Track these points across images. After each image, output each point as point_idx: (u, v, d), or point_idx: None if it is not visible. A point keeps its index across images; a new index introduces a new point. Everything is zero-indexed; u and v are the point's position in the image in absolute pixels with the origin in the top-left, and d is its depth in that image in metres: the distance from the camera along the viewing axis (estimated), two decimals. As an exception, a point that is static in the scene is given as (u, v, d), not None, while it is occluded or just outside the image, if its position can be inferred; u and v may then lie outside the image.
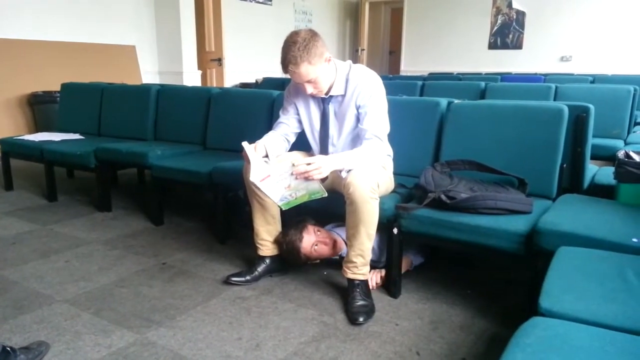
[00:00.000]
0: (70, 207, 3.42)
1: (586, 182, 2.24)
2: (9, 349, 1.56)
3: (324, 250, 2.19)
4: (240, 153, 2.03)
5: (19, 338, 1.74)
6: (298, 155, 2.19)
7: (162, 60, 6.83)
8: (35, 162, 3.57)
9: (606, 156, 3.12)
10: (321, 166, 1.89)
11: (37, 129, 5.13)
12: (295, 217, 2.20)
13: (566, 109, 2.13)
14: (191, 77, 6.77)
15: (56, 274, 2.34)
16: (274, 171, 1.97)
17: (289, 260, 2.21)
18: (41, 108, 5.22)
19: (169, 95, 3.64)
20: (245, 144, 1.99)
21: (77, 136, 3.74)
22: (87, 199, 3.56)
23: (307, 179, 1.90)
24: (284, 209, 2.06)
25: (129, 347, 1.74)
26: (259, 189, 2.00)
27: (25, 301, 2.06)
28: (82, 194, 3.70)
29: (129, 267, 2.42)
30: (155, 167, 2.95)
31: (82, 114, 4.01)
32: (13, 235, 2.86)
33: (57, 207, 3.43)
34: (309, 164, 1.89)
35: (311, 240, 2.15)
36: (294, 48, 1.93)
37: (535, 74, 7.08)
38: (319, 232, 2.19)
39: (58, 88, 4.38)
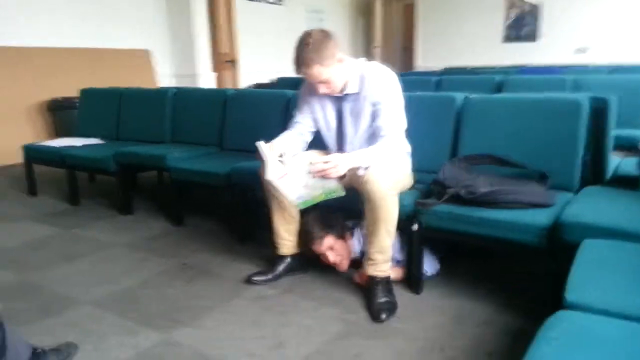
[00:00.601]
0: (93, 210, 3.48)
1: (609, 174, 2.20)
2: (40, 350, 1.60)
3: (334, 258, 2.17)
4: (255, 153, 2.04)
5: (48, 340, 1.78)
6: (314, 154, 2.19)
7: (176, 63, 6.90)
8: (57, 167, 3.64)
9: (629, 146, 3.06)
10: (338, 164, 1.89)
11: (58, 134, 5.22)
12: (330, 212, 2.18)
13: (585, 101, 2.11)
14: (206, 79, 6.83)
15: (81, 276, 2.39)
16: (290, 170, 1.98)
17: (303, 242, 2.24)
18: (61, 114, 5.31)
19: (185, 98, 3.68)
20: (260, 143, 2.00)
21: (97, 141, 3.80)
22: (108, 202, 3.62)
23: (324, 177, 1.91)
24: (300, 207, 2.07)
25: (155, 347, 1.77)
26: (275, 188, 2.01)
27: (52, 304, 2.11)
28: (103, 198, 3.76)
29: (152, 268, 2.46)
30: (174, 169, 2.98)
31: (101, 119, 4.07)
32: (38, 240, 2.92)
33: (79, 211, 3.49)
34: (326, 162, 1.89)
35: (329, 243, 2.14)
36: (305, 50, 1.94)
37: (552, 66, 6.98)
38: (341, 244, 2.17)
39: (76, 94, 4.46)
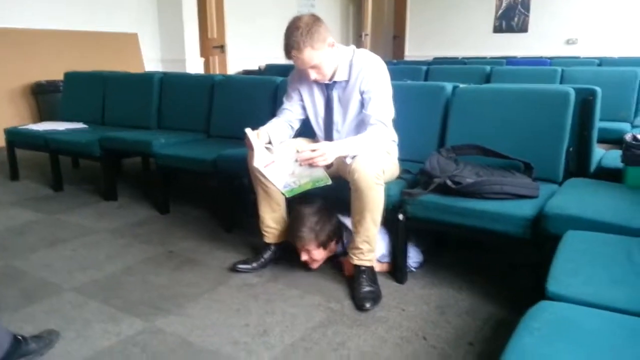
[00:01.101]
0: (76, 196, 3.43)
1: (593, 166, 2.22)
2: (20, 337, 1.58)
3: (306, 259, 2.13)
4: (243, 140, 2.02)
5: (29, 327, 1.76)
6: (302, 142, 2.18)
7: (164, 48, 6.79)
8: (40, 151, 3.58)
9: (613, 139, 3.09)
10: (325, 152, 1.88)
11: (41, 118, 5.13)
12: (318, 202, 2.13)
13: (572, 92, 2.12)
14: (194, 65, 6.74)
15: (64, 262, 2.36)
16: (277, 157, 1.96)
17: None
18: (45, 97, 5.21)
19: (172, 83, 3.63)
20: (248, 130, 1.98)
21: (81, 125, 3.74)
22: (92, 188, 3.57)
23: (311, 165, 1.90)
24: (287, 196, 2.06)
25: (138, 334, 1.76)
26: (262, 175, 2.00)
27: (35, 290, 2.08)
28: (87, 183, 3.71)
29: (136, 255, 2.44)
30: (160, 155, 2.95)
31: (86, 103, 4.00)
32: (20, 225, 2.87)
33: (63, 197, 3.44)
34: (313, 150, 1.88)
35: (307, 247, 2.08)
36: (296, 33, 1.91)
37: (541, 57, 7.00)
38: (319, 252, 2.12)
39: (61, 77, 4.37)
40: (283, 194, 2.06)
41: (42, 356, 1.61)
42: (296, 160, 1.92)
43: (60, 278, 2.19)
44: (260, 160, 1.95)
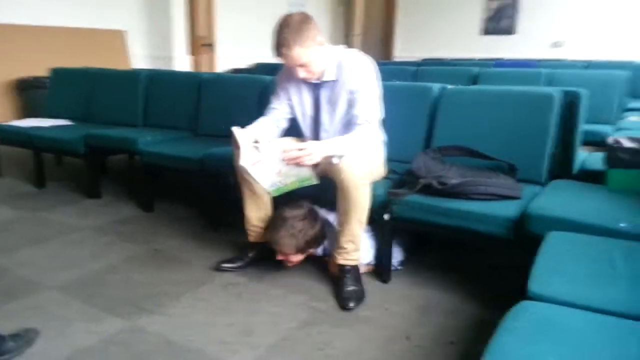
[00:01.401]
0: (60, 193, 3.39)
1: (576, 168, 2.25)
2: (-2, 336, 1.55)
3: (282, 258, 2.11)
4: (230, 139, 2.01)
5: (9, 325, 1.73)
6: (289, 141, 2.17)
7: (152, 45, 6.73)
8: (23, 148, 3.52)
9: (596, 142, 3.12)
10: (312, 152, 1.88)
11: (25, 114, 5.05)
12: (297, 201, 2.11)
13: (556, 95, 2.14)
14: (182, 62, 6.69)
15: (46, 260, 2.33)
16: (264, 156, 1.95)
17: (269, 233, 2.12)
18: (29, 93, 5.13)
19: (159, 81, 3.60)
20: (234, 129, 1.97)
21: (66, 122, 3.69)
22: (76, 186, 3.52)
23: (298, 164, 1.89)
24: (273, 195, 2.05)
25: (119, 333, 1.74)
26: (249, 174, 1.99)
27: (15, 288, 2.05)
28: (71, 181, 3.66)
29: (120, 253, 2.41)
30: (145, 153, 2.92)
31: (71, 100, 3.95)
32: (2, 222, 2.83)
33: (46, 194, 3.40)
34: (300, 149, 1.87)
35: (285, 250, 2.06)
36: (286, 30, 1.90)
37: (528, 59, 7.06)
38: (295, 256, 2.09)
39: (46, 73, 4.32)
40: (269, 193, 2.05)
41: (21, 355, 1.59)
42: (283, 160, 1.92)
43: (42, 276, 2.16)
44: (246, 159, 1.94)
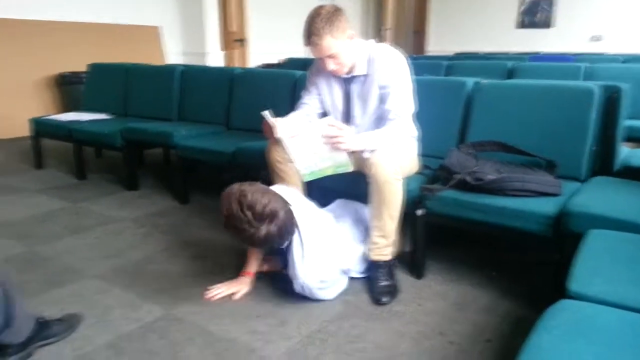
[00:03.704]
0: (99, 185, 3.50)
1: (617, 164, 2.18)
2: (43, 320, 1.62)
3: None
4: (261, 125, 2.00)
5: (52, 311, 1.80)
6: (331, 119, 2.15)
7: (185, 41, 6.85)
8: (64, 141, 3.65)
9: (639, 138, 3.03)
10: (349, 139, 1.88)
11: (65, 109, 5.23)
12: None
13: (596, 89, 2.08)
14: (215, 58, 6.78)
15: (87, 250, 2.41)
16: (302, 131, 1.93)
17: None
18: (68, 88, 5.31)
19: (192, 76, 3.66)
20: (265, 113, 1.94)
21: (104, 116, 3.80)
22: (115, 178, 3.63)
23: (333, 146, 1.89)
24: (306, 179, 2.01)
25: (157, 321, 1.79)
26: (285, 148, 1.95)
27: (58, 276, 2.13)
28: (110, 173, 3.77)
29: (157, 244, 2.48)
30: (181, 146, 2.98)
31: (109, 94, 4.07)
32: (44, 213, 2.94)
33: (86, 186, 3.51)
34: (341, 129, 1.88)
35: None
36: (317, 20, 1.91)
37: (565, 53, 6.87)
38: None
39: (84, 69, 4.45)
40: (302, 177, 2.02)
41: (65, 340, 1.66)
42: (322, 137, 1.87)
43: (83, 264, 2.24)
44: (284, 131, 1.92)
